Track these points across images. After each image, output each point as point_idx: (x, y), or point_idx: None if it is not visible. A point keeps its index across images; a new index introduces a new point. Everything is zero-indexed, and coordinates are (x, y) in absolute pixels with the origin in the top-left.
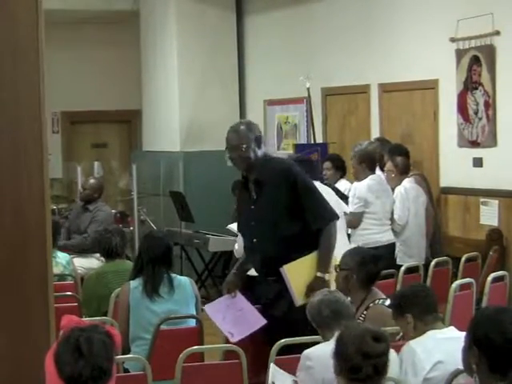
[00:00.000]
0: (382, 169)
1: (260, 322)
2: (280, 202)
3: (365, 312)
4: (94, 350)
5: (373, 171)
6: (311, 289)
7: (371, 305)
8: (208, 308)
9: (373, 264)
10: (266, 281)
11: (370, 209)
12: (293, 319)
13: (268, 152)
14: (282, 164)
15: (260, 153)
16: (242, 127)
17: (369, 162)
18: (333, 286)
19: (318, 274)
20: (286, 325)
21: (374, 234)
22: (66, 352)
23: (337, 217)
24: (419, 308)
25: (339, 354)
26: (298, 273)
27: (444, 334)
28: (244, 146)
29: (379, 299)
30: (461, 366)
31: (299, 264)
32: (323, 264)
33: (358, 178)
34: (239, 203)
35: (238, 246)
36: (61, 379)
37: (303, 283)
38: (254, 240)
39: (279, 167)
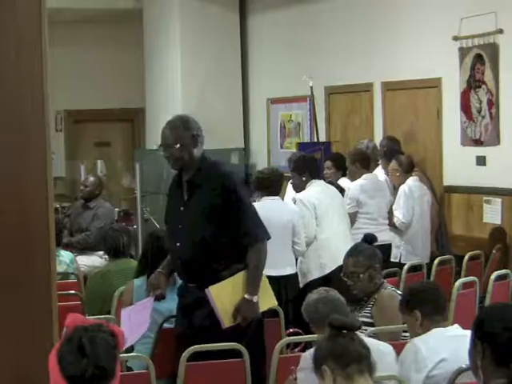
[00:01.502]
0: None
1: (142, 328)
2: (211, 208)
3: (376, 296)
4: (97, 350)
5: (367, 170)
6: (238, 311)
7: (382, 290)
8: (124, 311)
9: (373, 249)
10: (186, 287)
11: (364, 209)
12: (211, 327)
13: (207, 154)
14: (223, 170)
15: (197, 152)
16: (178, 124)
17: (362, 162)
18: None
19: (246, 296)
20: (204, 332)
21: None
22: (68, 351)
23: (268, 237)
24: (429, 306)
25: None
26: (224, 294)
27: (449, 331)
28: (178, 145)
29: (390, 287)
30: (465, 364)
31: (226, 285)
32: (251, 285)
33: (353, 177)
34: (169, 202)
35: None
36: (64, 378)
37: (230, 305)
38: (178, 244)
39: (219, 172)
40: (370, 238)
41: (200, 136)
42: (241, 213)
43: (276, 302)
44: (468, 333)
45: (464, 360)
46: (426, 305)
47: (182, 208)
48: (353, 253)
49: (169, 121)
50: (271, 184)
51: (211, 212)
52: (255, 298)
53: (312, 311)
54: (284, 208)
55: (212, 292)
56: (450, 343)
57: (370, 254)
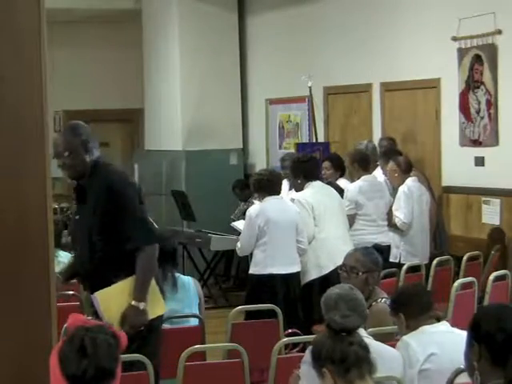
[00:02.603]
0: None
1: None
2: (102, 214)
3: (367, 310)
4: (99, 351)
5: (366, 171)
6: (124, 319)
7: (374, 303)
8: None
9: (381, 259)
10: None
11: (362, 211)
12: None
13: (102, 158)
14: (110, 174)
15: (89, 158)
16: (66, 131)
17: (360, 162)
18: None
19: (133, 303)
20: None
21: (366, 235)
22: (70, 351)
23: (156, 241)
24: (412, 309)
25: None
26: (111, 300)
27: (436, 327)
28: (66, 152)
29: (382, 298)
30: (454, 358)
31: (113, 290)
32: (138, 291)
33: (353, 178)
34: (74, 211)
35: (241, 245)
36: (64, 378)
37: (117, 311)
38: (77, 251)
39: (106, 177)
40: (378, 248)
41: (90, 142)
42: (125, 216)
43: (164, 310)
44: (455, 330)
45: (452, 353)
46: (408, 307)
47: (77, 216)
48: (360, 250)
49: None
50: (271, 185)
51: (102, 218)
52: (142, 305)
53: (331, 306)
54: (288, 207)
55: (98, 297)
56: (437, 338)
57: (376, 260)
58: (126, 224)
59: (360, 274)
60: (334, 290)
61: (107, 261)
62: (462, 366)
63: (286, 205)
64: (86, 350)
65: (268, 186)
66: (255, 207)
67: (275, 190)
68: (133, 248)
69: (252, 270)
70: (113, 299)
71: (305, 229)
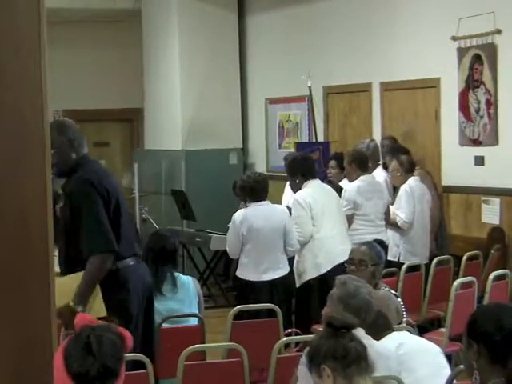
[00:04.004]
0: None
1: None
2: (68, 218)
3: None
4: (103, 349)
5: (365, 171)
6: (59, 315)
7: (376, 291)
8: None
9: (383, 253)
10: None
11: (361, 211)
12: None
13: (85, 157)
14: (80, 178)
15: (75, 156)
16: (52, 129)
17: (358, 162)
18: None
19: (71, 304)
20: None
21: (364, 235)
22: (75, 349)
23: (105, 249)
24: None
25: None
26: (60, 291)
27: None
28: (52, 151)
29: (384, 287)
30: (421, 342)
31: (64, 281)
32: (78, 294)
33: (350, 178)
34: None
35: (228, 249)
36: (69, 375)
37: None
38: (59, 250)
39: (76, 180)
40: (379, 242)
41: (76, 139)
42: (83, 223)
43: (105, 313)
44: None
45: (416, 339)
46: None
47: (59, 214)
48: (367, 244)
49: None
50: (254, 192)
51: (68, 222)
52: (79, 308)
53: (350, 295)
54: (272, 211)
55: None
56: (400, 334)
57: (380, 254)
58: (83, 232)
59: (369, 266)
60: (354, 282)
61: (74, 263)
62: (462, 366)
63: (270, 209)
64: (91, 348)
65: (251, 192)
66: (240, 213)
67: (259, 196)
68: (86, 255)
69: (238, 273)
70: (62, 290)
71: (293, 229)
